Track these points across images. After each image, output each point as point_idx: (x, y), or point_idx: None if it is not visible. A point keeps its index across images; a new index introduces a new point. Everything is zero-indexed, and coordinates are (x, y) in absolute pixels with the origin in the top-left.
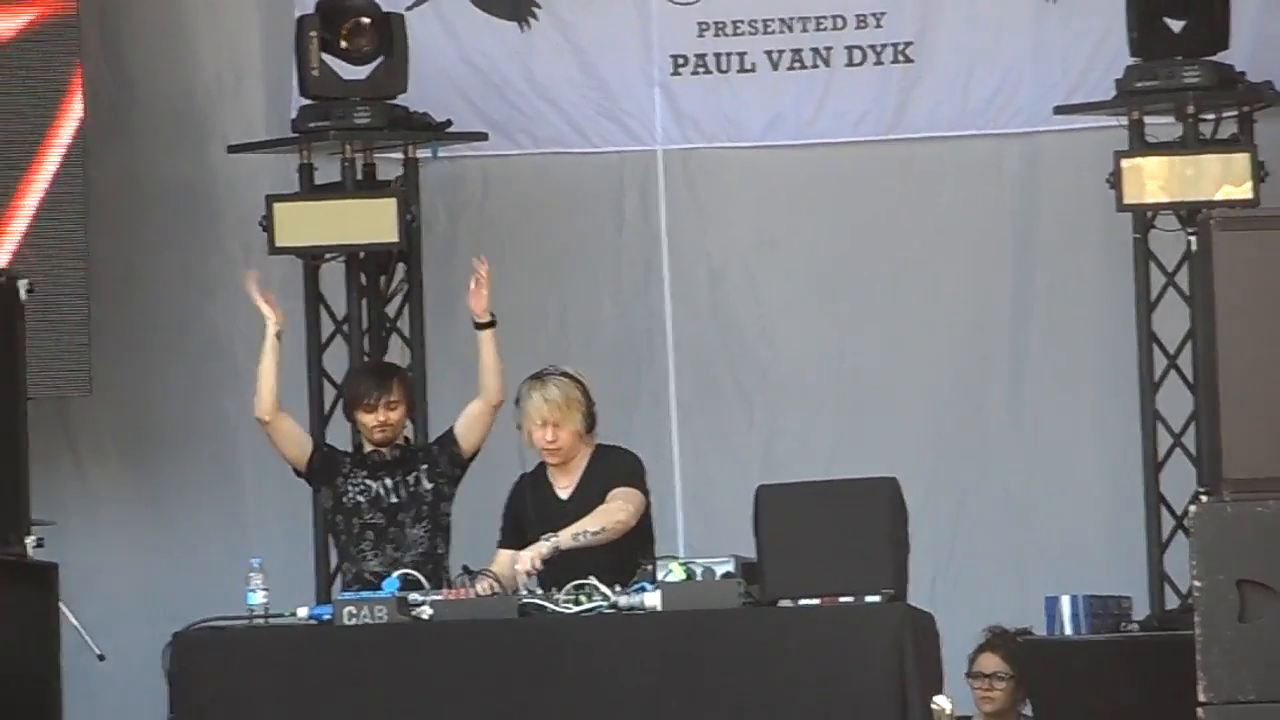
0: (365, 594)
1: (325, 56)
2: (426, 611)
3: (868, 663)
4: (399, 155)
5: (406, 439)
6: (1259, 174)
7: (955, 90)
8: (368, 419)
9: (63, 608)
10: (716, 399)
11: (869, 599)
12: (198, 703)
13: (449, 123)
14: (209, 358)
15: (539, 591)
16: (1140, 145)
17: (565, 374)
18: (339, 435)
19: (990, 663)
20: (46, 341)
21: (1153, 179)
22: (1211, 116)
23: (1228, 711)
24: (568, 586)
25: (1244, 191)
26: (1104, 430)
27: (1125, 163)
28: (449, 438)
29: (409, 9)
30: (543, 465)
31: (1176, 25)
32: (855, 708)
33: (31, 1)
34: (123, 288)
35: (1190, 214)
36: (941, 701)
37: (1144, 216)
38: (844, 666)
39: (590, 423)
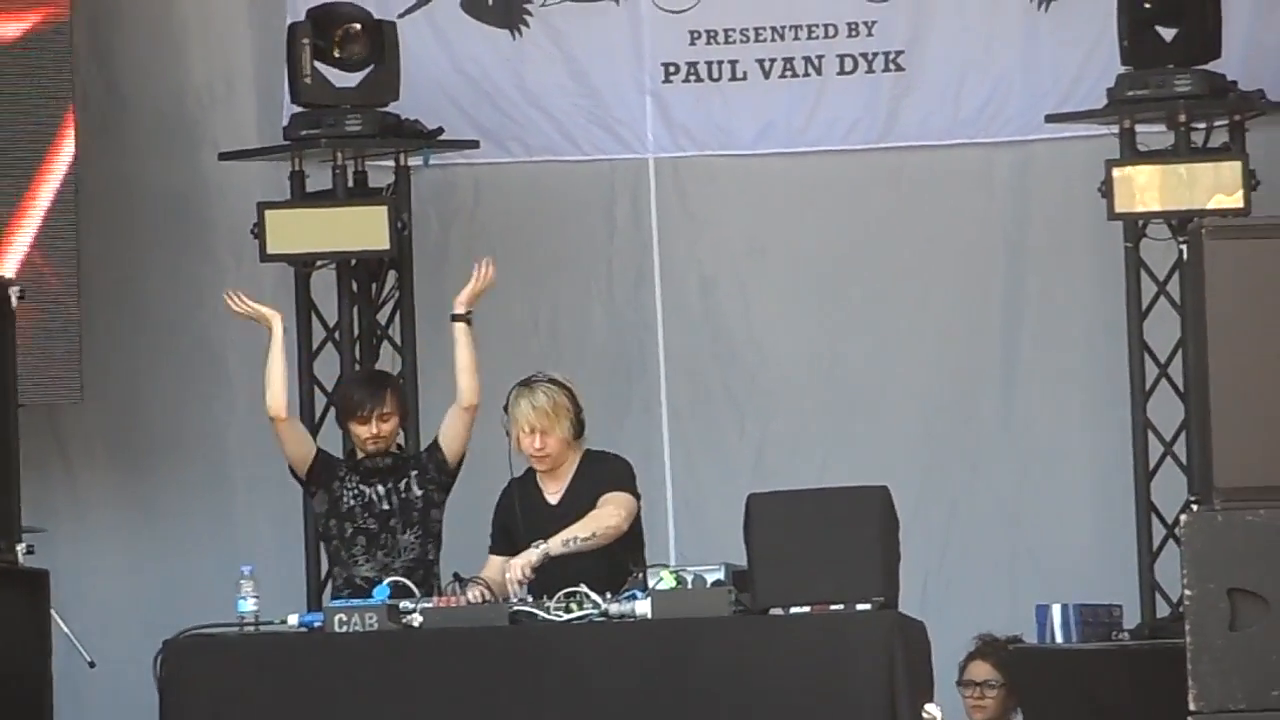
0: (356, 601)
1: (317, 64)
2: (417, 619)
3: (858, 671)
4: (390, 163)
5: (399, 446)
6: (1250, 183)
7: (946, 99)
8: (361, 430)
9: (54, 615)
10: (708, 406)
11: (860, 607)
12: (188, 710)
13: (440, 130)
14: (200, 365)
15: (530, 599)
16: (1131, 154)
17: (553, 380)
18: (330, 442)
19: (981, 671)
20: (37, 348)
21: (1144, 188)
22: (1203, 125)
23: None
24: (558, 594)
25: (1235, 200)
26: (1095, 439)
27: (1116, 171)
28: (434, 446)
29: (401, 16)
30: (532, 471)
31: (1168, 34)
32: (846, 716)
33: (24, 10)
34: (114, 294)
35: (1181, 223)
36: (932, 710)
37: (1135, 225)
38: (835, 674)
39: (578, 429)
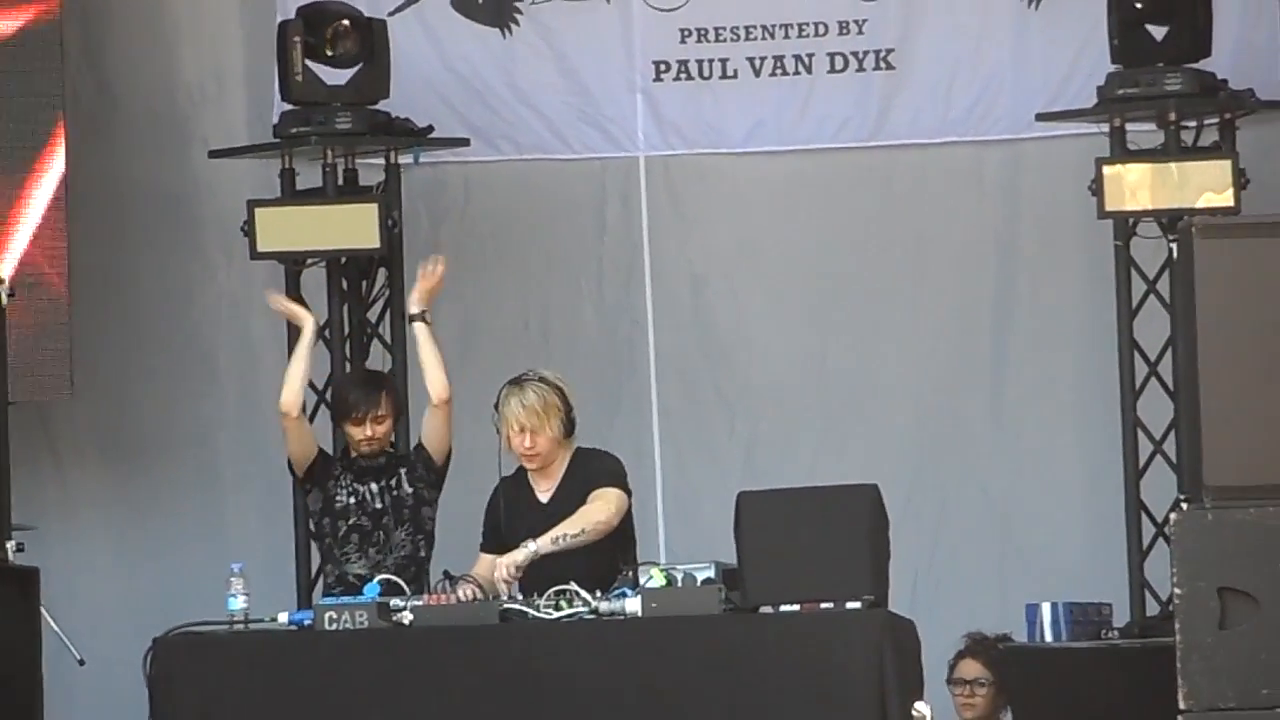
0: (346, 599)
1: (308, 62)
2: (407, 617)
3: (848, 669)
4: (380, 161)
5: (393, 444)
6: (1240, 181)
7: (937, 97)
8: (355, 431)
9: (43, 612)
10: (698, 405)
11: (849, 605)
12: (178, 708)
13: (431, 128)
14: (190, 362)
15: (519, 597)
16: (1121, 152)
17: (543, 379)
18: (320, 438)
19: (971, 669)
20: (27, 345)
21: (1134, 186)
22: (1193, 124)
23: (1208, 719)
24: (548, 592)
25: (1225, 199)
26: (1085, 437)
27: (1107, 170)
28: (419, 445)
29: (391, 14)
30: (523, 469)
31: (1158, 33)
32: (835, 714)
33: (14, 8)
34: (104, 291)
35: (1171, 221)
36: (922, 708)
37: (1125, 224)
38: (824, 673)
39: (569, 428)
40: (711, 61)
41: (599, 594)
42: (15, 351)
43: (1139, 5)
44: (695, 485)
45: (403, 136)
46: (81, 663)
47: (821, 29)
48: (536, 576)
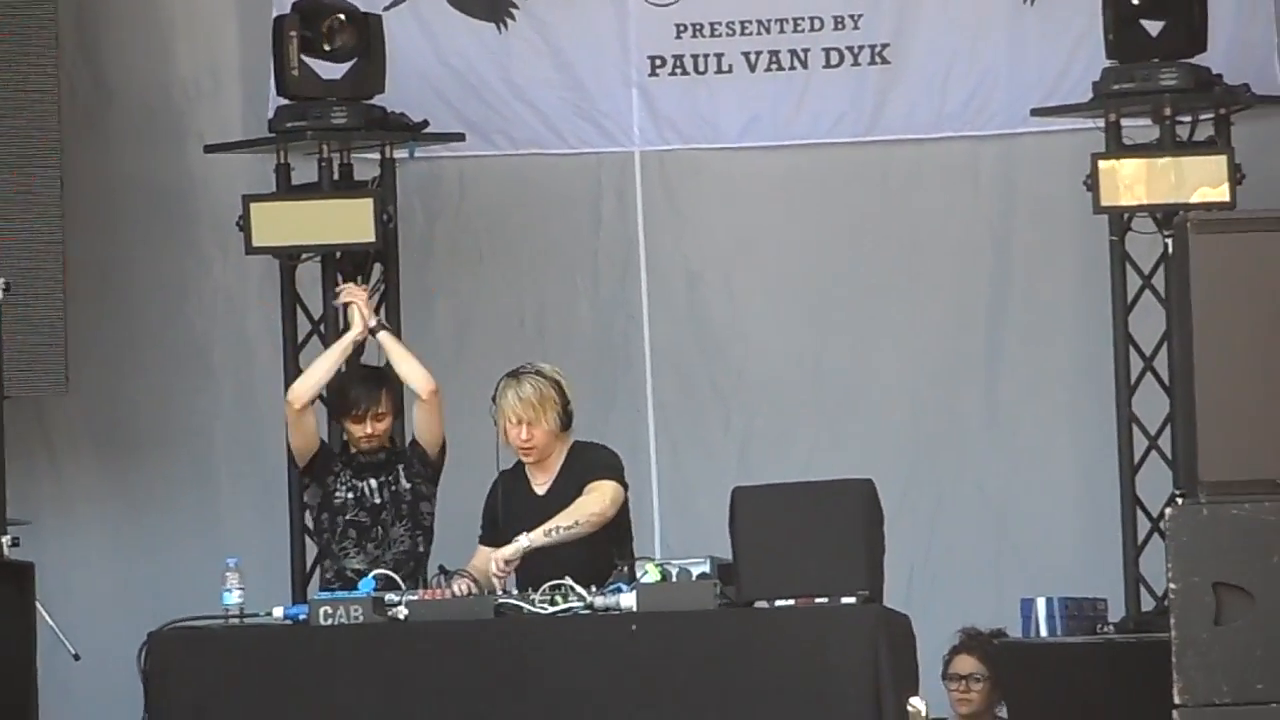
0: (341, 594)
1: (304, 56)
2: (402, 612)
3: (843, 664)
4: (376, 155)
5: (391, 440)
6: (1236, 176)
7: (932, 92)
8: (355, 429)
9: (39, 607)
10: (693, 400)
11: (844, 600)
12: (173, 702)
13: (426, 123)
14: (185, 357)
15: (515, 592)
16: (1117, 147)
17: (540, 372)
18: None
19: (966, 664)
20: (22, 340)
21: (1129, 181)
22: (1188, 119)
23: (1203, 714)
24: (544, 587)
25: (1220, 194)
26: (1080, 432)
27: (1102, 165)
28: (413, 441)
29: (386, 9)
30: (521, 463)
31: (1153, 28)
32: (830, 709)
33: (10, 2)
34: (99, 287)
35: (1167, 216)
36: (917, 703)
37: (1120, 219)
38: (819, 668)
39: (566, 421)
40: (707, 56)
41: (594, 589)
42: (10, 346)
43: (1136, 2)
44: (690, 480)
45: (398, 131)
46: (77, 657)
47: (817, 24)
48: (532, 571)
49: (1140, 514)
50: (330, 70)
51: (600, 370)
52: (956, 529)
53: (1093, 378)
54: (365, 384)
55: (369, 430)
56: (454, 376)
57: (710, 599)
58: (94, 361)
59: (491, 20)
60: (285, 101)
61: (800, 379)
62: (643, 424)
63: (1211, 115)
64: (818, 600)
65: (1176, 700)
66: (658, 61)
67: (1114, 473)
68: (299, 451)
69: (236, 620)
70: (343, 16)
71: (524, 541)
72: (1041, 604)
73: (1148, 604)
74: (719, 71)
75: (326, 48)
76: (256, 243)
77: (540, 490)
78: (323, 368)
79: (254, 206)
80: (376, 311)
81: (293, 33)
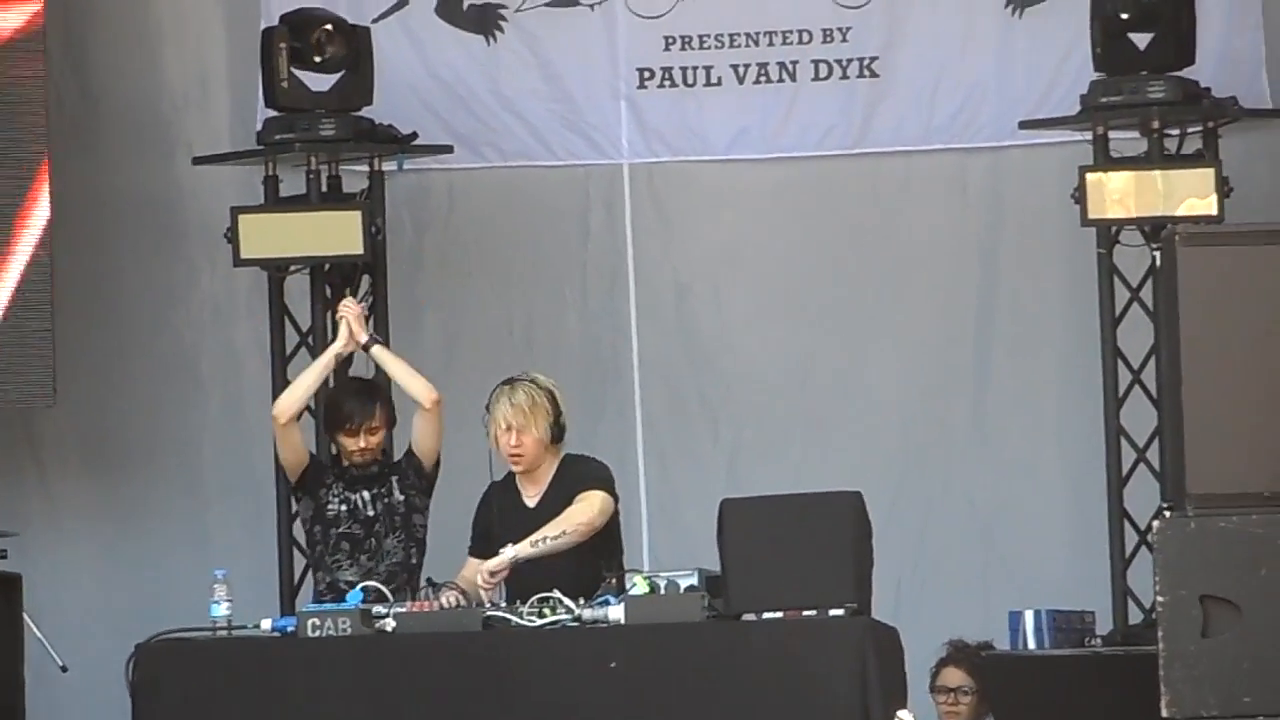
0: (329, 606)
1: (293, 68)
2: (390, 624)
3: (831, 677)
4: (364, 168)
5: (385, 452)
6: (1224, 190)
7: (921, 105)
8: (348, 442)
9: (26, 619)
10: (682, 412)
11: (833, 613)
12: (160, 714)
13: (415, 135)
14: (173, 369)
15: (503, 604)
16: (1105, 160)
17: (535, 381)
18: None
19: (954, 677)
20: (10, 352)
21: (1117, 194)
22: (1176, 132)
23: None
24: (532, 599)
25: (1208, 207)
26: (1068, 445)
27: (1090, 178)
28: (409, 453)
29: (375, 21)
30: (512, 474)
31: (1141, 41)
32: None
33: None
34: (87, 298)
35: (1154, 229)
36: (905, 715)
37: (1108, 232)
38: (807, 680)
39: (558, 433)
40: (696, 69)
41: (582, 601)
42: None
43: (1124, 16)
44: (679, 492)
45: (387, 143)
46: (64, 669)
47: (806, 36)
48: (521, 583)
49: (1128, 527)
50: (319, 82)
51: (589, 382)
52: (945, 541)
53: (1081, 390)
54: (358, 397)
55: (362, 444)
56: (443, 388)
57: (698, 611)
58: (82, 373)
59: (480, 32)
60: (273, 113)
61: (789, 391)
62: (631, 435)
63: (1199, 128)
64: (806, 613)
65: (1164, 713)
66: (646, 74)
67: (1102, 485)
68: (288, 466)
69: (224, 632)
70: (330, 27)
71: (509, 553)
72: (1029, 616)
73: (1135, 616)
74: (708, 84)
75: (317, 59)
76: (245, 255)
77: (531, 503)
78: (306, 383)
79: (242, 218)
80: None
81: (282, 44)
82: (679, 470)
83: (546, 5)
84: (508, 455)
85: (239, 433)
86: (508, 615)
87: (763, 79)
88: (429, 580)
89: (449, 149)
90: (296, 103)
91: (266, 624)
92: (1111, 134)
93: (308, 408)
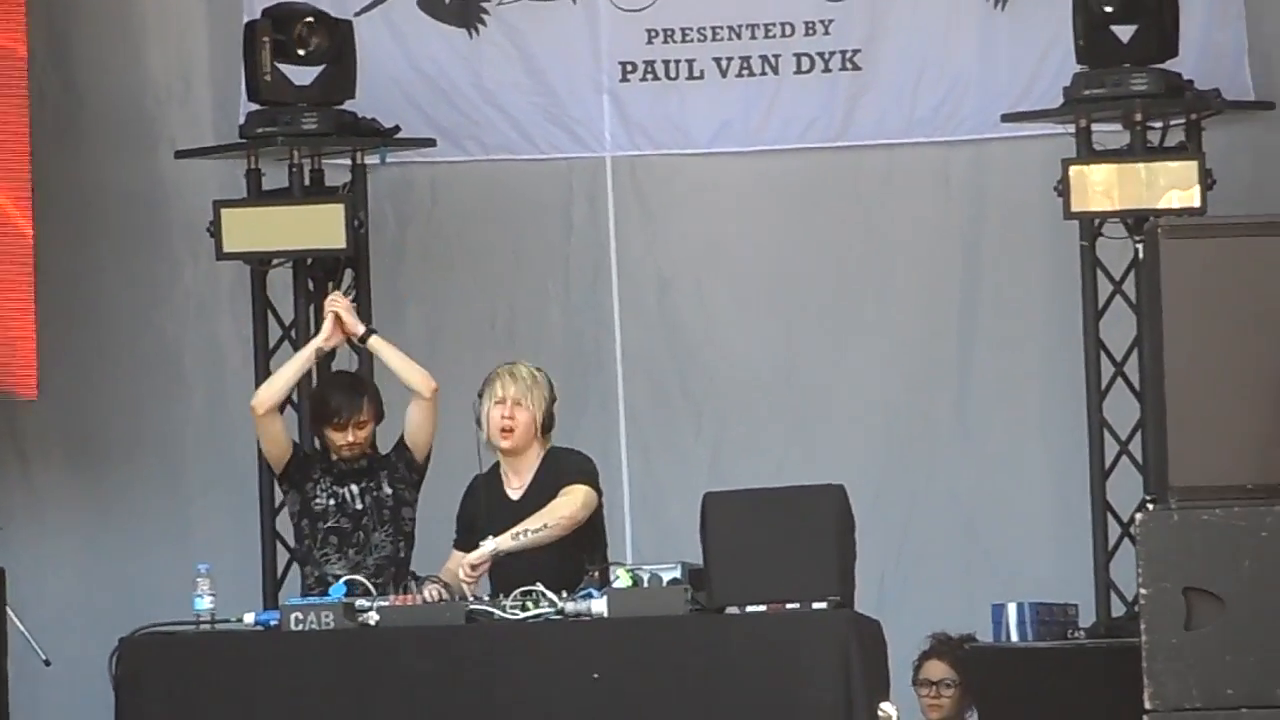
0: (312, 599)
1: (277, 62)
2: (373, 617)
3: (814, 669)
4: (347, 161)
5: (374, 446)
6: (1206, 182)
7: (903, 97)
8: (336, 437)
9: (9, 613)
10: (665, 406)
11: (815, 606)
12: (144, 708)
13: (397, 129)
14: (156, 363)
15: (486, 597)
16: (1088, 153)
17: (537, 368)
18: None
19: (937, 670)
20: None
21: (1100, 187)
22: (1159, 124)
23: (1173, 719)
24: (515, 593)
25: (1191, 199)
26: (1051, 438)
27: (1073, 170)
28: (401, 444)
29: (357, 15)
30: (497, 466)
31: (1124, 33)
32: (801, 715)
33: None
34: (70, 292)
35: (1138, 222)
36: (888, 708)
37: (1091, 224)
38: (790, 673)
39: (548, 421)
40: (678, 62)
41: (565, 594)
42: None
43: (1108, 9)
44: (662, 485)
45: (369, 137)
46: (47, 663)
47: (788, 29)
48: (505, 576)
49: (1111, 519)
50: (301, 76)
51: (571, 375)
52: (928, 534)
53: (1063, 383)
54: (346, 392)
55: (350, 439)
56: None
57: (681, 604)
58: (65, 367)
59: (462, 26)
60: (256, 107)
61: (772, 384)
62: (614, 429)
63: (1182, 121)
64: (789, 606)
65: (1147, 705)
66: (629, 67)
67: (1085, 478)
68: (271, 458)
69: (208, 626)
70: (312, 20)
71: (490, 546)
72: (1012, 609)
73: (1118, 609)
74: (690, 77)
75: (301, 52)
76: (227, 248)
77: (514, 494)
78: (286, 375)
79: (225, 212)
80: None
81: (265, 38)
82: (662, 463)
83: None
84: (499, 430)
85: (222, 427)
86: (491, 609)
87: (745, 72)
88: (412, 574)
89: (431, 142)
90: (279, 96)
91: (249, 618)
92: (1094, 126)
93: (290, 402)
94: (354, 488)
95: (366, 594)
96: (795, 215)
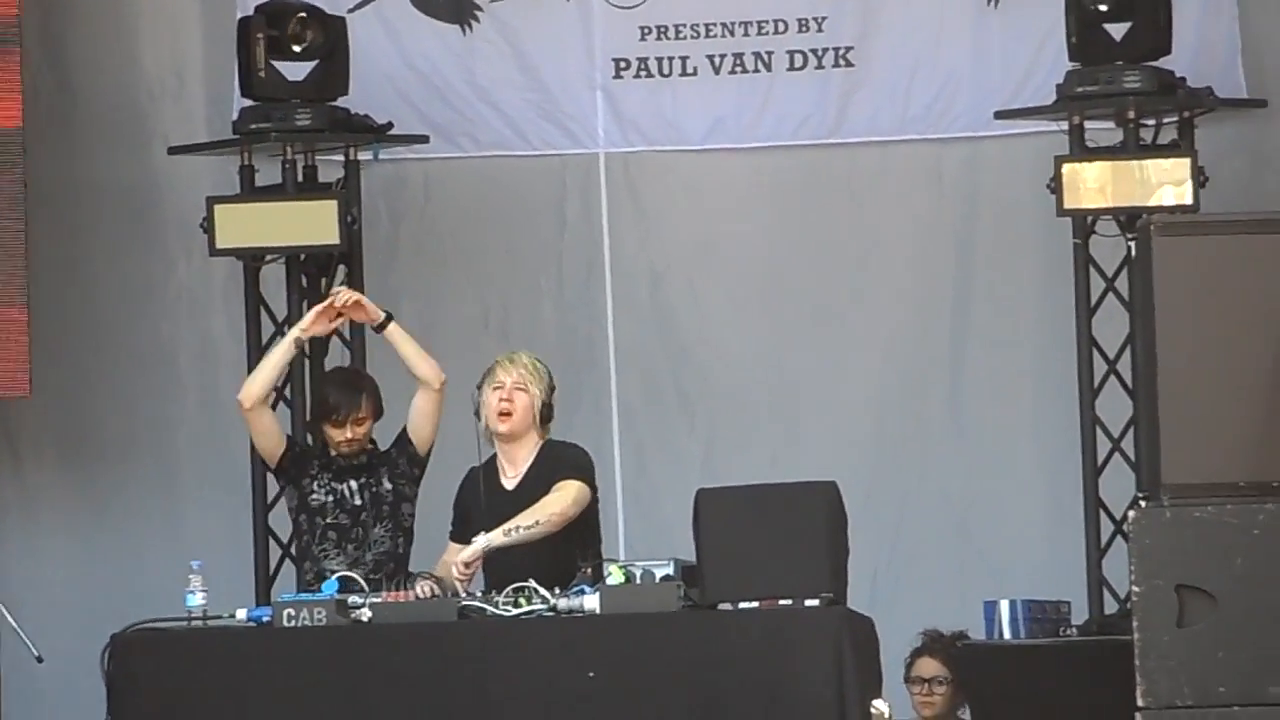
0: (304, 596)
1: (271, 59)
2: (366, 614)
3: (807, 666)
4: (340, 157)
5: (373, 442)
6: (1199, 179)
7: (896, 95)
8: (335, 433)
9: (2, 609)
10: (658, 402)
11: (808, 603)
12: (136, 704)
13: (390, 125)
14: (150, 360)
15: (478, 594)
16: (1080, 150)
17: (538, 359)
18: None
19: (930, 667)
20: None
21: (1093, 184)
22: (1152, 122)
23: (1165, 716)
24: (507, 589)
25: (1184, 197)
26: (1043, 435)
27: (1065, 168)
28: (403, 438)
29: (351, 11)
30: (494, 457)
31: (1117, 31)
32: (794, 711)
33: None
34: (63, 289)
35: (1130, 219)
36: (880, 705)
37: (1084, 221)
38: (783, 670)
39: (546, 412)
40: (671, 59)
41: (558, 591)
42: None
43: (1101, 7)
44: (655, 482)
45: (362, 133)
46: (40, 660)
47: (781, 26)
48: (500, 572)
49: (1103, 516)
50: (294, 72)
51: (564, 372)
52: (920, 531)
53: (1056, 381)
54: (345, 389)
55: (349, 435)
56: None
57: (674, 601)
58: (58, 364)
59: (456, 22)
60: (249, 103)
61: (764, 381)
62: (607, 425)
63: (1175, 118)
64: (781, 602)
65: (1139, 703)
66: (622, 64)
67: (1077, 475)
68: (264, 452)
69: (200, 622)
70: (306, 15)
71: (481, 542)
72: (1005, 606)
73: (1111, 606)
74: (683, 74)
75: (296, 48)
76: (220, 245)
77: (509, 484)
78: (268, 366)
79: (218, 208)
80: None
81: (259, 34)
82: (655, 460)
83: None
84: (497, 414)
85: (215, 423)
86: (483, 605)
87: (738, 69)
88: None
89: (425, 139)
90: (272, 92)
91: (242, 614)
92: (1087, 124)
93: (283, 398)
94: (353, 483)
95: (359, 590)
96: (788, 212)
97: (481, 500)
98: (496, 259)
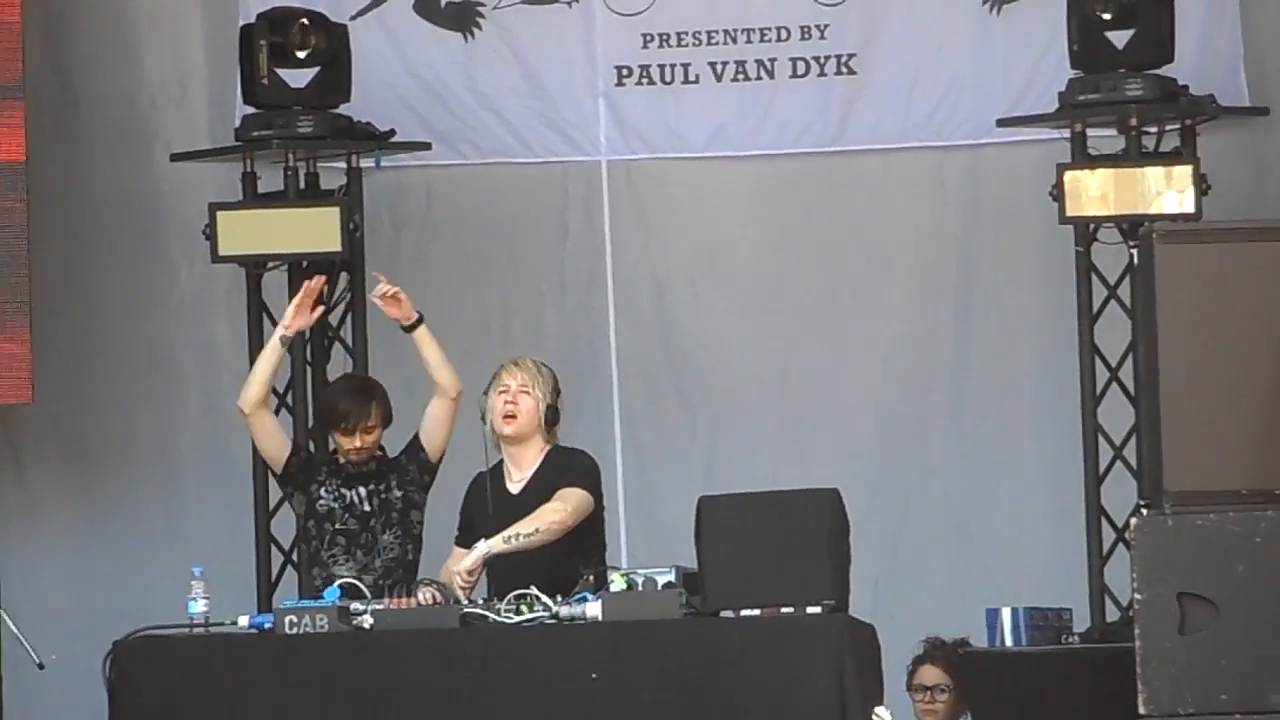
0: (306, 602)
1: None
2: (368, 621)
3: (808, 674)
4: (342, 164)
5: (382, 448)
6: (1201, 187)
7: (898, 102)
8: (344, 441)
9: (3, 615)
10: (660, 409)
11: (810, 610)
12: (138, 711)
13: (392, 132)
14: (152, 367)
15: (480, 601)
16: (1083, 158)
17: (544, 364)
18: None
19: (932, 675)
20: None
21: (1095, 192)
22: (1154, 129)
23: None
24: (509, 596)
25: (1186, 204)
26: (1045, 442)
27: (1067, 175)
28: (415, 445)
29: (353, 18)
30: (500, 463)
31: (1119, 39)
32: (795, 719)
33: None
34: (66, 296)
35: (1132, 227)
36: (882, 713)
37: (1086, 229)
38: (785, 678)
39: (552, 415)
40: (673, 66)
41: (559, 598)
42: None
43: (1106, 16)
44: (657, 489)
45: (364, 140)
46: (41, 666)
47: (783, 34)
48: (502, 578)
49: (1105, 524)
50: (297, 79)
51: (567, 379)
52: (922, 539)
53: (1058, 388)
54: (355, 397)
55: (358, 443)
56: (421, 387)
57: (675, 608)
58: (61, 371)
59: (458, 30)
60: (251, 110)
61: (766, 388)
62: (609, 432)
63: (1177, 126)
64: (783, 610)
65: (1141, 710)
66: (624, 71)
67: (1079, 483)
68: (268, 456)
69: (202, 629)
70: (308, 21)
71: (482, 549)
72: (1007, 614)
73: (1113, 614)
74: (685, 81)
75: (300, 55)
76: (223, 251)
77: (514, 489)
78: (260, 368)
79: (220, 215)
80: (341, 322)
81: (261, 41)
82: (657, 467)
83: (524, 2)
84: (502, 416)
85: (217, 430)
86: (485, 612)
87: (740, 76)
88: None
89: (427, 146)
90: (275, 100)
91: (244, 621)
92: (1089, 132)
93: (285, 405)
94: (362, 490)
95: (361, 597)
96: (790, 219)
97: (488, 505)
98: (499, 266)
